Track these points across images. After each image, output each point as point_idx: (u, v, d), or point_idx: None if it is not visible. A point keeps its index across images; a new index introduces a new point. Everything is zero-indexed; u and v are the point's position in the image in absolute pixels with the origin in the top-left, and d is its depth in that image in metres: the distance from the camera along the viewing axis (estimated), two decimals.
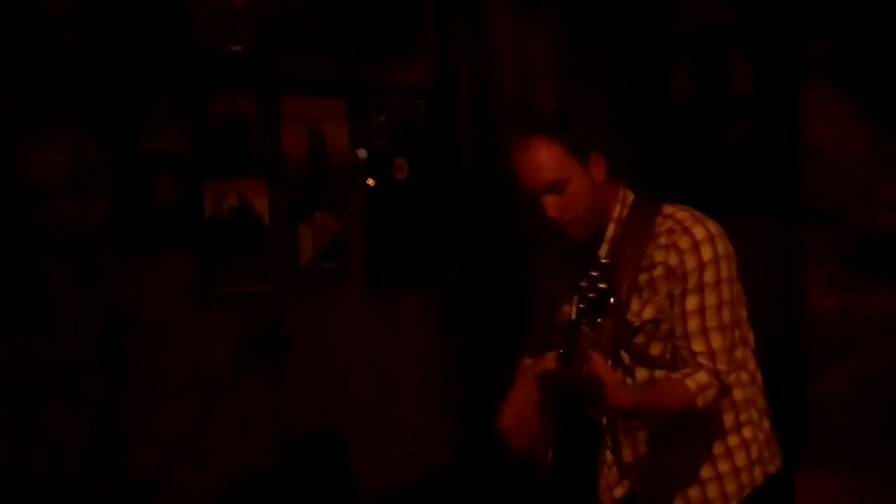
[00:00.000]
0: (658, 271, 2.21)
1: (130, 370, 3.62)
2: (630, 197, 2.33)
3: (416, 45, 4.38)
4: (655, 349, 2.23)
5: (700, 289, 2.17)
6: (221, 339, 3.77)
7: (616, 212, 2.30)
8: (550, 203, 2.21)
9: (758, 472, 2.32)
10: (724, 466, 2.28)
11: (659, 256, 2.22)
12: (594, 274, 1.96)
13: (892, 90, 3.72)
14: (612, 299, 1.96)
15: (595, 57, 4.55)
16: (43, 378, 3.46)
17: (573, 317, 1.96)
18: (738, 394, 2.26)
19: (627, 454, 2.31)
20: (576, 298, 1.97)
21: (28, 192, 3.46)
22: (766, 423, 2.36)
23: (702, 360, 2.15)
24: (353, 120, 4.19)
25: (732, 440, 2.28)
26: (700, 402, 2.11)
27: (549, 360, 2.07)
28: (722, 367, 2.16)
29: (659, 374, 2.22)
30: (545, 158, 2.21)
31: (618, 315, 2.19)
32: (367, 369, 4.26)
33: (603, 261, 1.99)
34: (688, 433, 2.25)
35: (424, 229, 4.43)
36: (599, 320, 1.99)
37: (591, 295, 1.95)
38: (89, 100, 3.55)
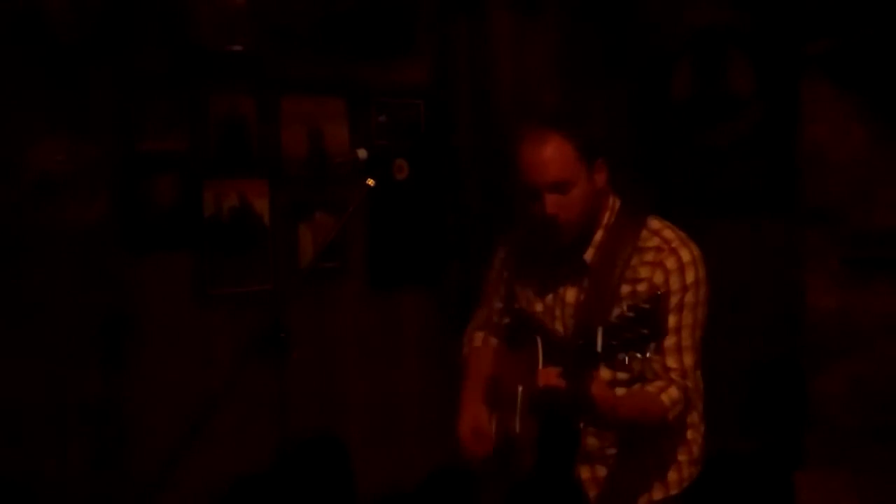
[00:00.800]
0: (642, 286, 2.28)
1: (130, 370, 3.62)
2: (617, 204, 2.39)
3: (416, 45, 4.38)
4: (623, 355, 2.27)
5: (680, 309, 2.27)
6: (221, 339, 3.77)
7: (605, 218, 2.36)
8: (551, 201, 2.24)
9: (695, 471, 2.47)
10: (668, 460, 2.43)
11: (644, 272, 2.29)
12: (631, 315, 1.98)
13: (892, 90, 3.71)
14: (650, 344, 1.98)
15: (595, 57, 4.55)
16: (43, 378, 3.46)
17: (598, 349, 2.00)
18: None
19: (592, 443, 2.41)
20: (602, 331, 2.00)
21: (28, 192, 3.46)
22: (702, 427, 2.49)
23: (674, 375, 2.27)
24: (353, 120, 4.20)
25: (677, 440, 2.43)
26: (671, 416, 2.27)
27: (552, 378, 2.13)
28: (690, 384, 2.29)
29: (621, 375, 2.30)
30: (557, 156, 2.23)
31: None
32: (367, 369, 4.25)
33: (646, 306, 1.98)
34: (642, 437, 2.39)
35: (424, 229, 4.43)
36: (625, 358, 2.01)
37: (627, 335, 1.98)
38: (89, 100, 3.56)
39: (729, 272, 4.36)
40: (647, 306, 1.98)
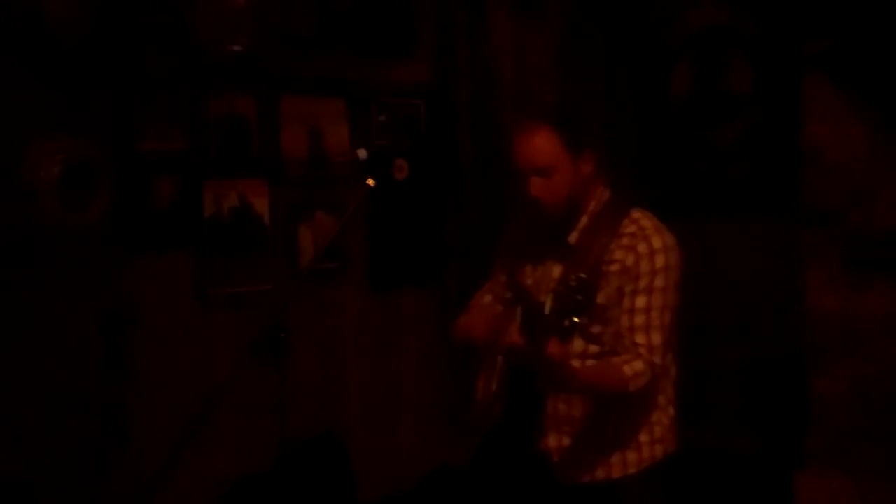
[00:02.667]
0: (615, 267, 2.49)
1: (130, 370, 3.62)
2: (606, 195, 2.60)
3: (417, 44, 4.39)
4: (596, 329, 2.50)
5: (650, 291, 2.47)
6: (221, 338, 3.77)
7: (591, 205, 2.58)
8: (535, 184, 2.50)
9: (658, 450, 2.59)
10: (629, 439, 2.56)
11: (619, 255, 2.50)
12: (573, 284, 2.19)
13: (892, 90, 3.71)
14: (583, 314, 2.19)
15: (595, 57, 4.55)
16: (43, 378, 3.46)
17: (546, 311, 2.21)
18: (653, 384, 2.52)
19: (558, 415, 2.57)
20: (552, 296, 2.22)
21: (28, 191, 3.46)
22: (671, 411, 2.63)
23: (642, 350, 2.45)
24: (353, 120, 4.20)
25: (641, 419, 2.57)
26: (632, 386, 2.41)
27: (515, 335, 2.31)
28: (657, 360, 2.46)
29: (592, 348, 2.49)
30: (542, 145, 2.48)
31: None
32: (367, 369, 4.26)
33: (582, 276, 2.21)
34: (607, 408, 2.53)
35: (424, 229, 4.43)
36: (567, 322, 2.20)
37: (567, 302, 2.18)
38: (89, 100, 3.56)
39: (729, 272, 4.38)
40: (584, 276, 2.21)
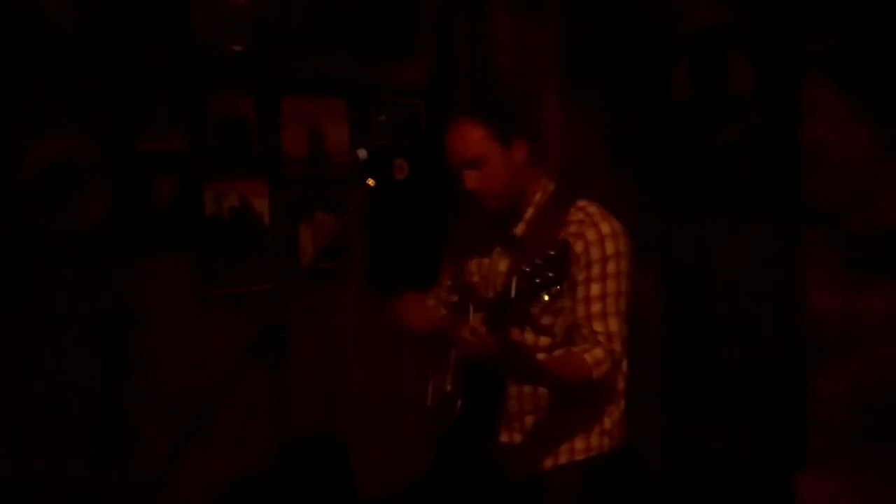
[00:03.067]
0: None
1: (131, 370, 3.62)
2: (551, 186, 2.60)
3: (416, 45, 4.39)
4: (546, 320, 2.49)
5: (603, 278, 2.45)
6: (221, 339, 3.77)
7: (536, 197, 2.57)
8: (469, 177, 2.49)
9: (606, 442, 2.59)
10: (578, 428, 2.56)
11: None
12: (539, 262, 2.13)
13: (892, 90, 3.71)
14: (557, 287, 2.13)
15: (595, 57, 4.55)
16: (43, 378, 3.46)
17: (512, 294, 2.13)
18: (613, 372, 2.50)
19: (509, 412, 2.57)
20: (516, 279, 2.14)
21: (28, 191, 3.46)
22: (622, 404, 2.63)
23: (601, 338, 2.43)
24: (353, 120, 4.20)
25: (591, 409, 2.57)
26: (595, 374, 2.39)
27: (477, 322, 2.21)
28: (616, 347, 2.45)
29: (544, 340, 2.49)
30: (468, 137, 2.48)
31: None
32: (367, 369, 4.25)
33: (551, 253, 2.14)
34: (558, 403, 2.53)
35: (424, 229, 4.43)
36: (536, 302, 2.17)
37: (536, 280, 2.13)
38: (89, 100, 3.56)
39: (729, 272, 4.38)
40: (553, 253, 2.14)
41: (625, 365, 2.56)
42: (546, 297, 2.14)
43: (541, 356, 2.39)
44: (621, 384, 2.60)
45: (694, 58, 4.44)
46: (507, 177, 2.50)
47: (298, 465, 3.83)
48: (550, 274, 2.12)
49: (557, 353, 2.46)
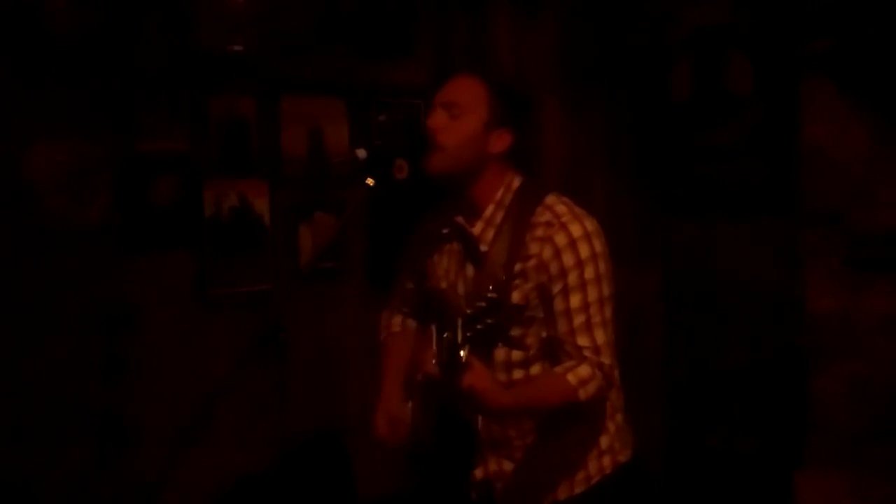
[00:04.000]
0: (531, 262, 2.25)
1: (130, 370, 3.62)
2: (516, 183, 2.37)
3: (416, 45, 4.38)
4: (516, 332, 2.27)
5: (582, 286, 2.22)
6: (221, 338, 3.77)
7: (498, 194, 2.35)
8: (438, 115, 2.35)
9: (607, 461, 2.38)
10: (572, 455, 2.35)
11: (534, 249, 2.26)
12: (482, 305, 2.01)
13: (893, 90, 3.71)
14: (500, 333, 2.03)
15: (595, 57, 4.55)
16: (43, 378, 3.46)
17: (458, 340, 1.97)
18: (607, 388, 2.30)
19: (493, 437, 2.36)
20: (460, 322, 1.99)
21: (28, 191, 3.46)
22: (618, 417, 2.42)
23: (587, 353, 2.21)
24: (353, 120, 4.20)
25: (582, 431, 2.35)
26: (582, 395, 2.17)
27: (430, 367, 2.07)
28: (606, 360, 2.22)
29: (516, 354, 2.28)
30: (464, 83, 2.36)
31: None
32: (368, 369, 4.24)
33: (491, 296, 2.01)
34: (545, 424, 2.31)
35: None
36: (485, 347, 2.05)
37: (479, 327, 2.00)
38: (89, 100, 3.55)
39: (729, 272, 4.38)
40: (494, 296, 2.01)
41: (616, 374, 2.31)
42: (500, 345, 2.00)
43: (517, 375, 2.23)
44: (615, 396, 2.39)
45: (694, 58, 4.44)
46: (470, 143, 2.32)
47: (299, 464, 3.83)
48: (490, 321, 2.00)
49: (536, 375, 2.28)
